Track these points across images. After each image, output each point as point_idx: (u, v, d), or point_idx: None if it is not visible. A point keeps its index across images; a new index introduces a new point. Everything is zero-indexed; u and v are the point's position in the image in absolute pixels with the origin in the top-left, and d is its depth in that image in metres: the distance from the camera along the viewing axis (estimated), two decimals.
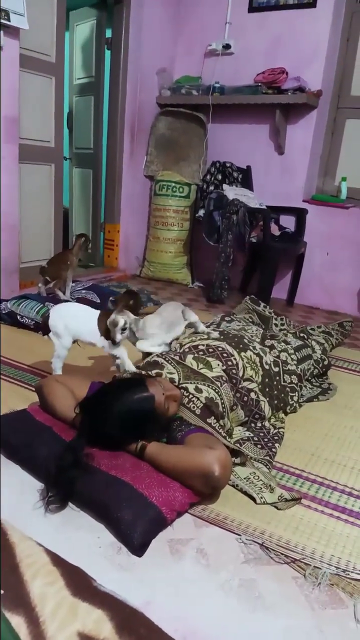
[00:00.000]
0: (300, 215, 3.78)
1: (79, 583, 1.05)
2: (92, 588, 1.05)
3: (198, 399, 1.65)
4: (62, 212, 3.77)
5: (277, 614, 1.10)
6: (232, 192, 3.67)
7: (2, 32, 2.73)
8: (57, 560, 1.11)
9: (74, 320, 1.94)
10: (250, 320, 2.73)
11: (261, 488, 1.48)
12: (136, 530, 1.23)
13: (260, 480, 1.52)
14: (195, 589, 1.15)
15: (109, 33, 3.94)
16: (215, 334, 2.06)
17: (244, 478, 1.52)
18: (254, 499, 1.45)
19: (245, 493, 1.48)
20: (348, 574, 1.21)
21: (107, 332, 1.88)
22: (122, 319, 1.84)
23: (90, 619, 0.97)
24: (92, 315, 1.93)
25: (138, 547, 1.23)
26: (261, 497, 1.45)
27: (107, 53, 3.96)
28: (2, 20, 2.65)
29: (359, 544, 1.32)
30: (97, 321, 1.91)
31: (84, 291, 3.06)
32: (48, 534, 1.25)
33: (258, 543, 1.29)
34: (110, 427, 1.46)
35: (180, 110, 3.99)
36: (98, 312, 1.95)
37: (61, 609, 0.98)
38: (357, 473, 1.66)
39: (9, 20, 2.68)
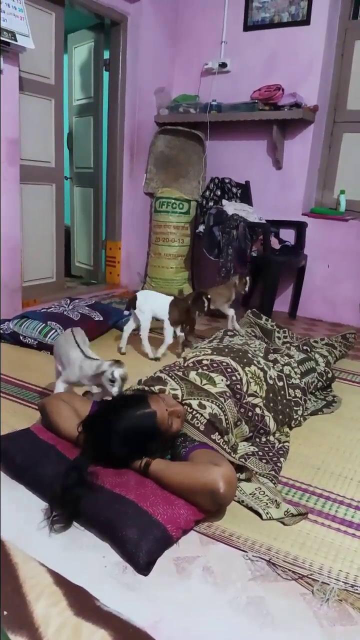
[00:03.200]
0: (300, 228, 3.80)
1: (83, 603, 1.04)
2: (96, 608, 1.04)
3: (202, 415, 1.65)
4: (63, 230, 3.81)
5: (285, 631, 1.09)
6: (231, 207, 3.70)
7: (2, 56, 2.79)
8: (61, 581, 1.11)
9: (155, 302, 2.68)
10: (253, 334, 2.74)
11: (267, 503, 1.47)
12: (142, 549, 1.22)
13: (266, 495, 1.51)
14: (203, 607, 1.14)
15: (106, 54, 4.01)
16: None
17: (250, 494, 1.51)
18: (260, 515, 1.44)
19: (251, 509, 1.47)
20: (357, 589, 1.20)
21: (174, 314, 2.63)
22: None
23: (94, 639, 0.96)
24: (167, 300, 2.69)
25: (144, 566, 1.22)
26: (267, 513, 1.44)
27: (106, 74, 4.03)
28: (9, 40, 2.71)
29: None
30: (169, 305, 2.65)
31: (87, 308, 3.07)
32: (53, 554, 1.25)
33: (265, 560, 1.28)
34: (114, 444, 1.46)
35: (178, 128, 4.04)
36: (171, 298, 2.71)
37: (65, 629, 0.97)
38: None
39: (15, 40, 2.74)
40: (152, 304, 2.68)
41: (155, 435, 1.50)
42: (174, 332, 2.71)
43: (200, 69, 4.05)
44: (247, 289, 3.07)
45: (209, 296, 2.74)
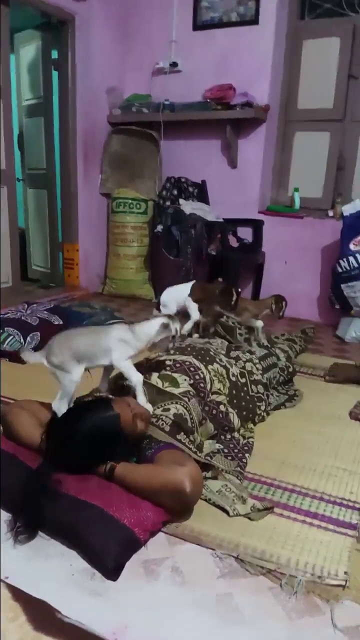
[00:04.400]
0: (256, 226, 3.85)
1: (42, 616, 1.02)
2: (56, 620, 1.02)
3: (167, 416, 1.64)
4: (17, 233, 3.72)
5: (254, 626, 1.09)
6: (188, 206, 3.71)
7: None
8: (19, 595, 1.08)
9: (177, 292, 2.65)
10: (214, 331, 2.75)
11: (233, 500, 1.48)
12: (109, 555, 1.20)
13: (233, 492, 1.51)
14: (172, 608, 1.14)
15: (55, 54, 3.94)
16: None
17: (216, 491, 1.52)
18: (227, 512, 1.45)
19: (218, 506, 1.47)
20: (323, 580, 1.22)
21: (197, 293, 2.58)
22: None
23: None
24: (188, 285, 2.66)
25: (112, 571, 1.20)
26: (234, 509, 1.45)
27: (55, 74, 3.96)
28: None
29: (332, 548, 1.33)
30: (191, 288, 2.61)
31: (46, 313, 3.00)
32: (19, 565, 1.21)
33: (233, 556, 1.29)
34: (77, 449, 1.43)
35: (132, 128, 4.02)
36: (191, 283, 2.67)
37: None
38: (327, 477, 1.68)
39: None
40: (175, 295, 2.65)
41: (119, 438, 1.48)
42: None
43: (151, 68, 4.04)
44: (282, 314, 2.63)
45: (239, 289, 2.54)
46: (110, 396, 1.72)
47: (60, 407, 1.61)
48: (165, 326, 1.71)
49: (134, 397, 1.67)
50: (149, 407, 1.66)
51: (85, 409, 1.53)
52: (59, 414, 1.59)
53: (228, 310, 2.52)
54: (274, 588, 1.20)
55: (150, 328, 1.69)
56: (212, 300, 2.57)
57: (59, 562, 1.24)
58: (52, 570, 1.21)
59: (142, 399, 1.68)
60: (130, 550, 1.25)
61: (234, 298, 2.48)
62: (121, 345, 1.66)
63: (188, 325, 2.59)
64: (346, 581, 1.21)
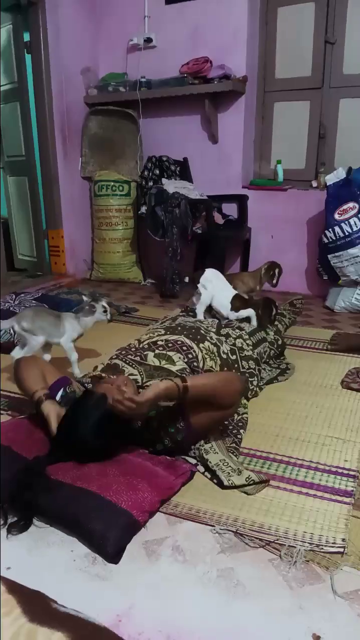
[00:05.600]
0: (241, 201, 3.82)
1: (37, 608, 1.02)
2: (52, 610, 1.02)
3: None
4: (0, 223, 3.67)
5: (256, 598, 1.11)
6: (171, 185, 3.66)
7: None
8: (14, 588, 1.08)
9: (220, 297, 2.48)
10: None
11: (229, 473, 1.49)
12: (109, 539, 1.22)
13: (230, 466, 1.53)
14: (175, 586, 1.15)
15: (27, 37, 3.84)
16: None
17: (214, 464, 1.53)
18: (221, 483, 1.46)
19: (215, 479, 1.49)
20: (322, 548, 1.24)
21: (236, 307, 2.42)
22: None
23: None
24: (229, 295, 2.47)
25: (113, 555, 1.22)
26: (230, 480, 1.46)
27: (28, 57, 3.86)
28: None
29: (329, 516, 1.35)
30: (232, 302, 2.43)
31: (34, 302, 2.98)
32: (20, 555, 1.22)
33: (232, 531, 1.30)
34: (94, 443, 1.44)
35: (109, 108, 3.95)
36: (232, 294, 2.47)
37: (19, 638, 0.96)
38: (321, 448, 1.69)
39: None
40: (218, 296, 2.47)
41: (113, 414, 1.47)
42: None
43: (125, 45, 3.95)
44: (275, 281, 2.72)
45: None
46: (104, 375, 1.72)
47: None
48: (91, 307, 2.22)
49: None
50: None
51: (75, 409, 1.52)
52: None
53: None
54: (274, 559, 1.22)
55: (90, 318, 2.22)
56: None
57: (60, 549, 1.25)
58: (53, 558, 1.23)
59: (77, 371, 2.20)
60: (130, 533, 1.26)
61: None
62: (70, 330, 2.19)
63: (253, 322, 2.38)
64: (344, 548, 1.24)
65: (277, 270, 2.78)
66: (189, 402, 1.51)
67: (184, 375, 1.68)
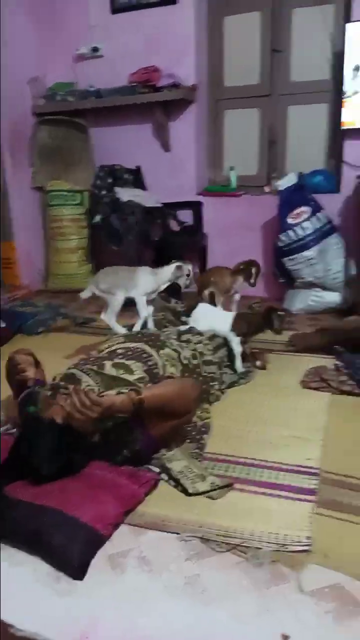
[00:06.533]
0: (196, 208, 3.84)
1: None
2: (9, 635, 0.98)
3: None
4: None
5: (224, 603, 1.10)
6: (125, 194, 3.65)
7: None
8: None
9: (215, 322, 2.35)
10: (163, 317, 2.73)
11: (193, 479, 1.48)
12: (73, 555, 1.18)
13: (193, 472, 1.52)
14: (141, 598, 1.13)
15: None
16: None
17: (178, 471, 1.51)
18: (186, 490, 1.45)
19: (179, 486, 1.47)
20: (287, 548, 1.24)
21: (242, 333, 2.29)
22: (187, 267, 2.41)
23: None
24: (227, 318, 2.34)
25: (78, 571, 1.18)
26: (194, 488, 1.45)
27: None
28: None
29: (293, 516, 1.36)
30: (233, 324, 2.29)
31: None
32: None
33: (198, 537, 1.29)
34: (48, 468, 1.39)
35: (59, 117, 3.91)
36: (232, 314, 2.39)
37: None
38: (283, 447, 1.70)
39: None
40: (210, 321, 2.35)
41: (67, 431, 1.44)
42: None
43: (72, 55, 3.93)
44: (253, 280, 2.60)
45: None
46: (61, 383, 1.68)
47: (110, 319, 2.37)
48: (178, 268, 2.35)
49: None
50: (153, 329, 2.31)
51: (23, 435, 1.48)
52: (109, 323, 2.38)
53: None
54: (241, 562, 1.21)
55: (167, 270, 2.36)
56: (257, 329, 2.35)
57: (23, 569, 1.20)
58: (15, 579, 1.18)
59: (151, 325, 2.37)
60: (94, 547, 1.23)
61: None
62: (144, 282, 2.32)
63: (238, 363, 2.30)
64: (309, 546, 1.24)
65: (254, 270, 2.68)
66: (144, 413, 1.51)
67: (140, 386, 1.67)
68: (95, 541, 1.23)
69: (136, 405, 1.49)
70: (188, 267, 2.40)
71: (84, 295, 2.41)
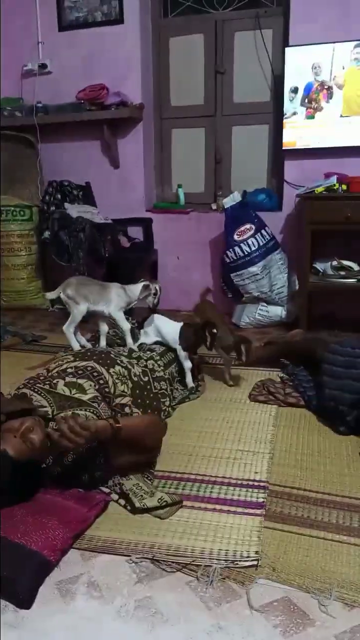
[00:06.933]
0: (146, 224, 3.86)
1: None
2: None
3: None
4: None
5: (176, 624, 1.10)
6: (74, 210, 3.63)
7: None
8: None
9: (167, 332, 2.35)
10: (114, 334, 2.73)
11: (142, 496, 1.48)
12: (19, 583, 1.15)
13: (143, 489, 1.52)
14: (93, 625, 1.11)
15: None
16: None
17: (128, 489, 1.51)
18: (133, 505, 1.45)
19: (127, 504, 1.48)
20: (237, 564, 1.26)
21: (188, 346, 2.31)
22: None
23: None
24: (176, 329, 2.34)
25: (25, 600, 1.15)
26: (142, 503, 1.45)
27: None
28: None
29: (242, 531, 1.38)
30: (180, 334, 2.31)
31: None
32: None
33: (148, 559, 1.28)
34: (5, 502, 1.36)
35: (6, 132, 3.85)
36: (180, 325, 2.36)
37: None
38: (233, 462, 1.73)
39: None
40: (164, 330, 2.36)
41: (25, 465, 1.39)
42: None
43: (19, 71, 3.90)
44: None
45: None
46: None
47: (68, 330, 2.34)
48: (146, 287, 2.40)
49: (124, 345, 2.36)
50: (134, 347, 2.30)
51: None
52: (67, 335, 2.34)
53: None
54: (192, 582, 1.22)
55: (136, 288, 2.38)
56: (198, 342, 2.34)
57: None
58: None
59: (130, 341, 2.35)
60: (42, 574, 1.21)
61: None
62: (117, 298, 2.35)
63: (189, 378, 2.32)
64: (258, 560, 1.26)
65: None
66: (117, 442, 1.50)
67: (95, 406, 1.66)
68: (44, 568, 1.21)
69: (114, 433, 1.47)
70: (155, 286, 2.44)
71: (50, 296, 2.45)
